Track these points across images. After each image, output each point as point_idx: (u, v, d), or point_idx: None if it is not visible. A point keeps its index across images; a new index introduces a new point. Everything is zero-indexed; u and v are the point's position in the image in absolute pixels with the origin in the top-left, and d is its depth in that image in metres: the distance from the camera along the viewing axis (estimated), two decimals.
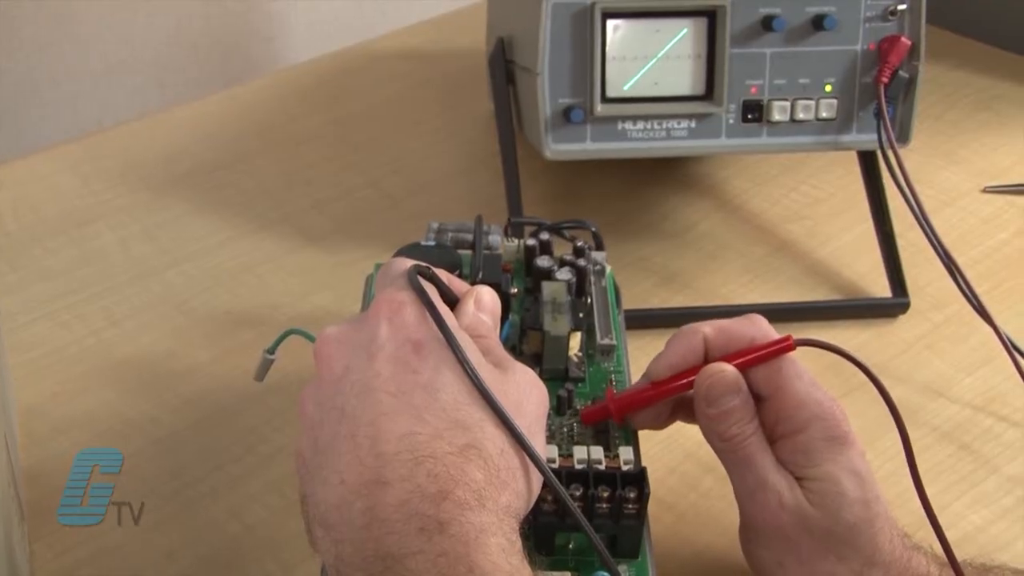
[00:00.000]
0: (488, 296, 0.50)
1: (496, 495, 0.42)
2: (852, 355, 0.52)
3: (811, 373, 0.52)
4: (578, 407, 0.55)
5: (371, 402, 0.43)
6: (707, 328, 0.53)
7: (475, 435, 0.42)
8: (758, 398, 0.52)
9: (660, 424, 0.54)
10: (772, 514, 0.50)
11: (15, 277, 0.76)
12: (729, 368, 0.51)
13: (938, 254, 0.70)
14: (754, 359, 0.51)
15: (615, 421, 0.53)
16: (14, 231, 0.80)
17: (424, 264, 0.48)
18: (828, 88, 0.71)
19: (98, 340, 0.71)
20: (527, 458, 0.44)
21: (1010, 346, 0.67)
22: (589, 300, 0.59)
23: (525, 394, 0.46)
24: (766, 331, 0.52)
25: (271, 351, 0.60)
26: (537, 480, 0.44)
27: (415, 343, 0.44)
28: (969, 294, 0.69)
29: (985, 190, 0.85)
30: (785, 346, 0.51)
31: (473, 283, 0.53)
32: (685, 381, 0.52)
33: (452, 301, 0.49)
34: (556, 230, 0.63)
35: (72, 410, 0.66)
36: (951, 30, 1.03)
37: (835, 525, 0.49)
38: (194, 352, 0.70)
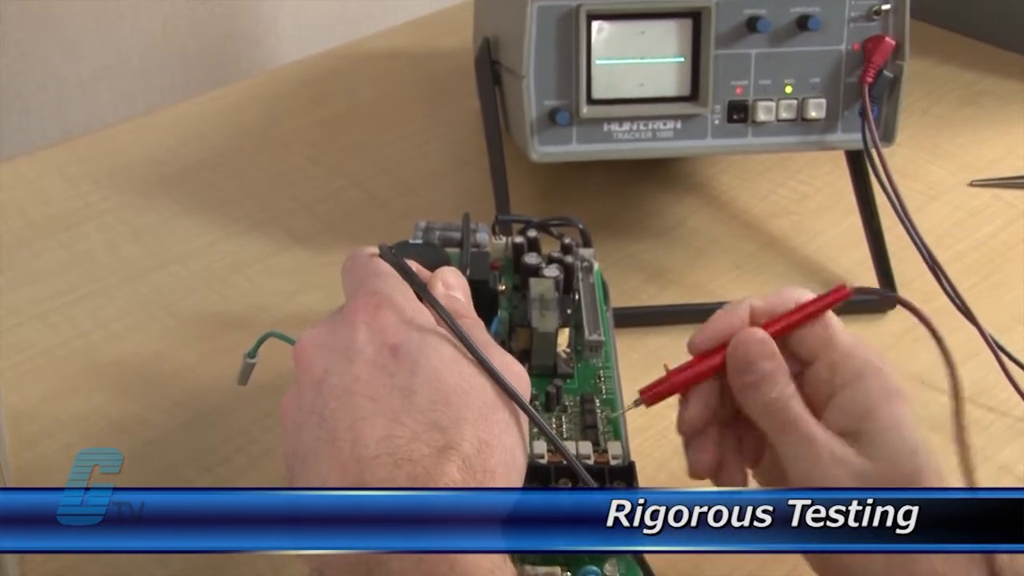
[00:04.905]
0: (452, 276, 0.50)
1: None
2: (914, 306, 0.51)
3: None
4: (566, 403, 0.55)
5: (350, 406, 0.43)
6: (756, 299, 0.52)
7: (451, 436, 0.42)
8: (805, 363, 0.50)
9: (716, 426, 0.51)
10: (824, 471, 0.47)
11: (3, 280, 0.76)
12: (757, 330, 0.50)
13: (922, 256, 0.70)
14: (806, 316, 0.50)
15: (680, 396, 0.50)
16: (2, 234, 0.80)
17: (389, 248, 0.49)
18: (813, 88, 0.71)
19: (87, 342, 0.71)
20: (507, 454, 0.44)
21: (994, 345, 0.67)
22: (577, 297, 0.59)
23: None
24: (811, 295, 0.51)
25: (251, 355, 0.59)
26: (518, 478, 0.45)
27: (392, 346, 0.44)
28: (952, 294, 0.69)
29: (972, 184, 0.85)
30: (842, 294, 0.50)
31: None
32: (720, 356, 0.50)
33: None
34: (544, 227, 0.64)
35: (61, 412, 0.66)
36: (937, 25, 1.03)
37: (896, 473, 0.47)
38: (183, 353, 0.70)
